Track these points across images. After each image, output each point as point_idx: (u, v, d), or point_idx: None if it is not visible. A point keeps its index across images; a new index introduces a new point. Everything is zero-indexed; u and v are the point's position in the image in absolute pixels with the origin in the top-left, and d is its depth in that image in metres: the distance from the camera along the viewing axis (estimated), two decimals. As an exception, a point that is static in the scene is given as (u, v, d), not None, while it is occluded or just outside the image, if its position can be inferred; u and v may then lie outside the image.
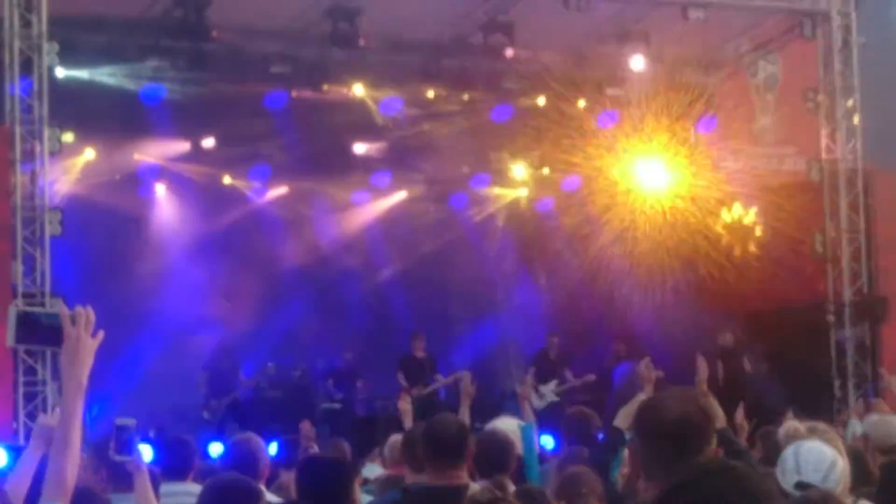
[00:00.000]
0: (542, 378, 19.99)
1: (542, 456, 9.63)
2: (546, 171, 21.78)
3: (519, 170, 21.75)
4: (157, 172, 20.67)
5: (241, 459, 7.85)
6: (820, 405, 16.73)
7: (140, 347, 17.86)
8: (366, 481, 9.41)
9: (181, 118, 18.60)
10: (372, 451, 11.91)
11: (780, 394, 16.87)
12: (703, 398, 4.61)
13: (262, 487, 7.39)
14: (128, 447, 5.96)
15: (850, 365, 18.76)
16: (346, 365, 20.36)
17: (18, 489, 5.03)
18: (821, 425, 7.13)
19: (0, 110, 15.30)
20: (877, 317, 18.74)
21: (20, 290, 14.93)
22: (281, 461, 9.80)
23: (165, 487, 7.23)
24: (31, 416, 14.25)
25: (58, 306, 4.34)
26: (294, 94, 18.91)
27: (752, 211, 20.31)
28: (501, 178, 22.14)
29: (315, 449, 11.73)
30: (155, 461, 7.65)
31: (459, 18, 18.50)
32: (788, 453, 6.03)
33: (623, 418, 7.21)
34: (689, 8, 17.82)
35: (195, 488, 7.03)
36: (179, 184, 20.81)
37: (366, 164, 21.49)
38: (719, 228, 20.58)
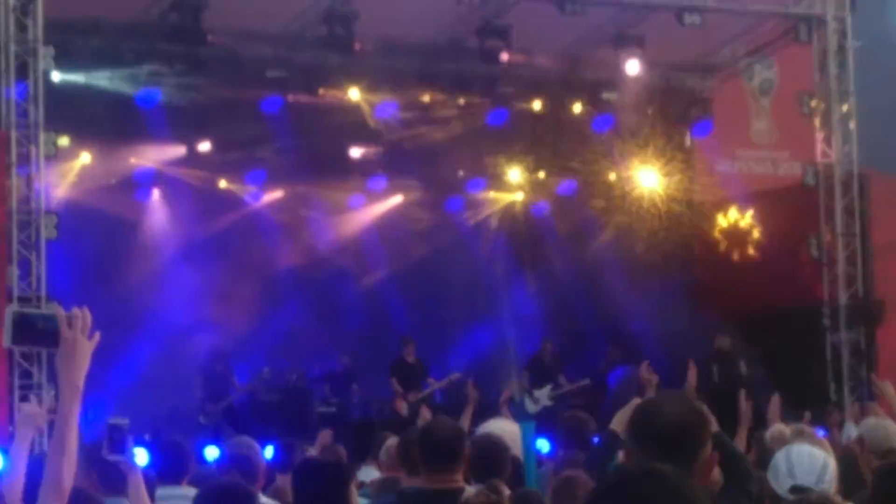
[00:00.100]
0: (536, 382, 19.99)
1: (538, 460, 9.62)
2: (541, 175, 21.79)
3: (514, 174, 21.72)
4: (153, 176, 20.65)
5: (237, 464, 7.84)
6: (815, 408, 16.72)
7: (136, 351, 17.82)
8: (361, 484, 9.38)
9: (177, 122, 18.60)
10: (368, 455, 11.89)
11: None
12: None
13: (259, 492, 7.38)
14: (121, 447, 5.91)
15: (846, 368, 18.78)
16: (342, 368, 20.34)
17: (14, 489, 5.02)
18: (807, 427, 7.13)
19: (-4, 114, 15.33)
20: (872, 320, 18.77)
21: (15, 293, 14.93)
22: (277, 465, 9.78)
23: (161, 491, 7.21)
24: (27, 419, 14.21)
25: (54, 308, 4.31)
26: (290, 98, 18.90)
27: (748, 215, 20.34)
28: (497, 181, 22.12)
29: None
30: (150, 464, 7.64)
31: (455, 22, 18.49)
32: (780, 457, 6.04)
33: (619, 422, 7.20)
34: (684, 12, 17.82)
35: (191, 492, 7.02)
36: (175, 188, 20.77)
37: (362, 167, 21.50)
38: (715, 232, 20.63)
